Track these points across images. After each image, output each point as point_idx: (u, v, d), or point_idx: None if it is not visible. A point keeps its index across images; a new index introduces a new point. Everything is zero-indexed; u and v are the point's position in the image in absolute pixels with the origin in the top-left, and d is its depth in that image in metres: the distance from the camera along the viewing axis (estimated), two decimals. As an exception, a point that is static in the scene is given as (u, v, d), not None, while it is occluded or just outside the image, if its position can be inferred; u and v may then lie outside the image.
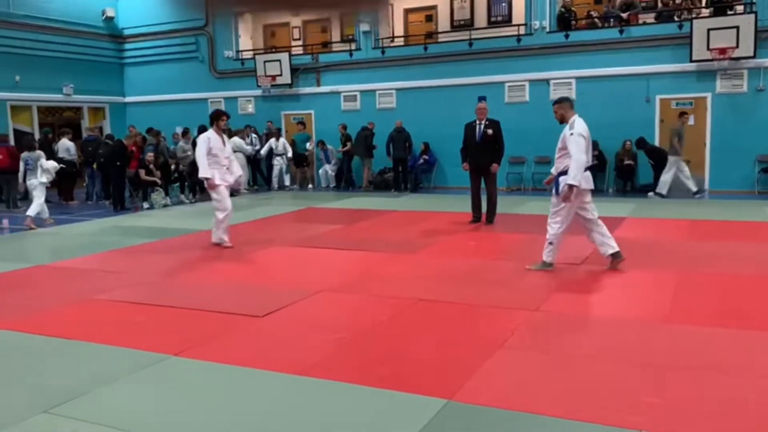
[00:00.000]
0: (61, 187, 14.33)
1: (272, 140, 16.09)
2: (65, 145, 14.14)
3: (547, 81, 14.38)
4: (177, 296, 6.06)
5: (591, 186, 6.52)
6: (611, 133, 13.51)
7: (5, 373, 4.21)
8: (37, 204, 10.92)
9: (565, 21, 14.45)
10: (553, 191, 6.57)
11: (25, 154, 11.50)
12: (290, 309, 5.48)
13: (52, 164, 11.30)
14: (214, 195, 8.35)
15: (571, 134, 6.27)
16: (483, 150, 9.48)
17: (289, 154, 16.04)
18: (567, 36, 14.26)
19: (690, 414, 3.38)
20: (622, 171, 13.54)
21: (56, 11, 17.33)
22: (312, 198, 14.33)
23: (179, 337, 4.79)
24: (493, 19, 16.60)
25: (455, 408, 3.49)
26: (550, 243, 6.57)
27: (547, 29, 14.48)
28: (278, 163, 16.17)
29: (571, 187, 6.18)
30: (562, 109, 6.55)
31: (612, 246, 6.59)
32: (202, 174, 8.16)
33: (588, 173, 6.45)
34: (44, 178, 11.11)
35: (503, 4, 16.47)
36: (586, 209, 6.53)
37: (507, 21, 16.11)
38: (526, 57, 14.60)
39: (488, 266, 6.87)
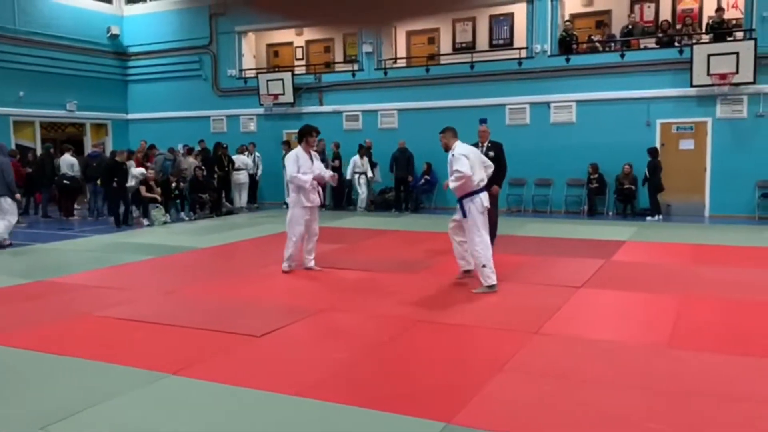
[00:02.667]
0: (62, 203, 14.34)
1: (356, 158, 15.12)
2: (68, 161, 14.15)
3: (547, 104, 14.47)
4: (175, 314, 6.04)
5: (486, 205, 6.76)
6: (611, 156, 13.56)
7: (1, 389, 4.18)
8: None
9: (566, 45, 14.56)
10: (460, 215, 6.78)
11: None
12: (289, 329, 5.45)
13: (139, 171, 13.35)
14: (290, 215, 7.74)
15: (452, 155, 6.72)
16: None
17: (370, 174, 15.10)
18: (568, 60, 14.36)
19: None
20: (622, 194, 13.58)
21: (62, 28, 17.45)
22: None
23: (177, 355, 4.76)
24: (494, 42, 16.69)
25: None
26: (483, 266, 6.58)
27: (548, 53, 14.58)
28: (363, 182, 15.12)
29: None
30: (445, 138, 6.93)
31: (469, 263, 6.94)
32: (303, 182, 7.49)
33: (484, 194, 6.74)
34: (133, 182, 12.99)
35: (505, 28, 16.59)
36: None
37: (508, 44, 16.20)
38: (527, 80, 14.68)
39: (488, 288, 6.83)
